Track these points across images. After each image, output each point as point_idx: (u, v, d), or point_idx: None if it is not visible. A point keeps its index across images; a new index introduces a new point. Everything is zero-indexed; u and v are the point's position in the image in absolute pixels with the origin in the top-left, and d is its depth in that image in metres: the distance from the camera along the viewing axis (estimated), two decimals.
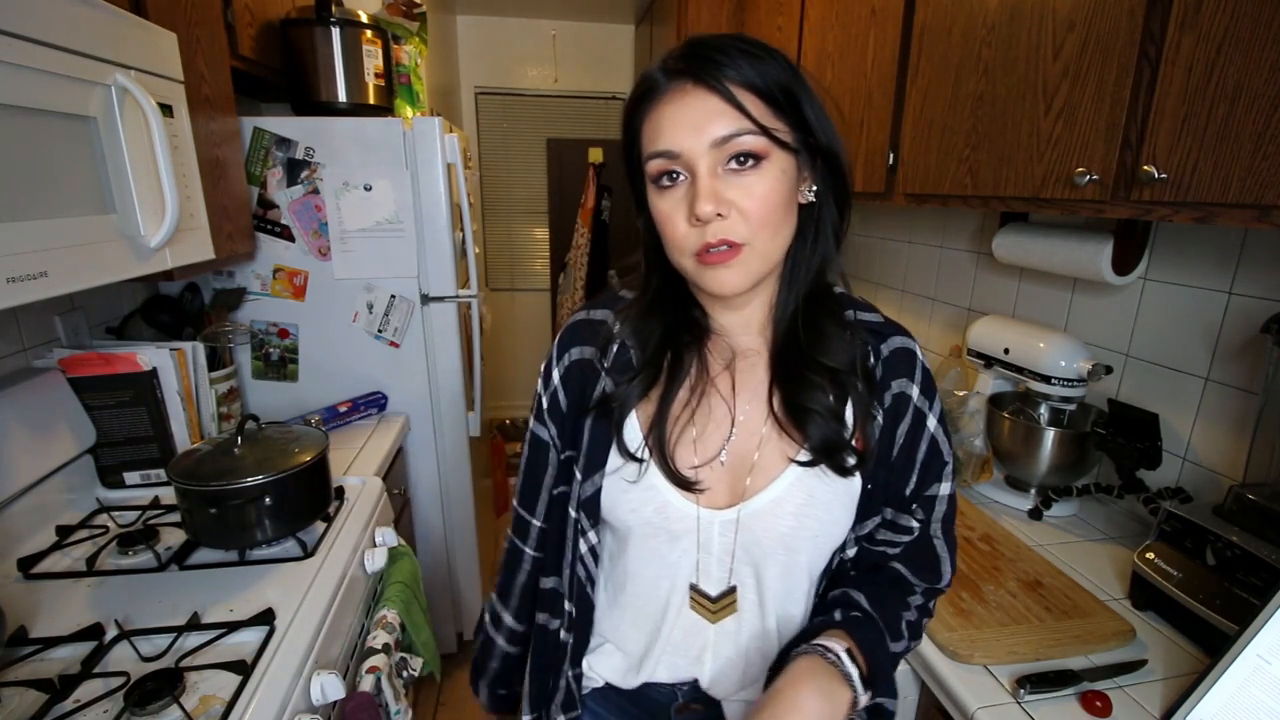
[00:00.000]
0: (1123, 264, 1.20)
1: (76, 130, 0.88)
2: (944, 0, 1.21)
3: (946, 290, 1.80)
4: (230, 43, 1.48)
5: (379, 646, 1.10)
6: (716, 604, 0.73)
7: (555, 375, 0.75)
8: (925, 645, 0.93)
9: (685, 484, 0.68)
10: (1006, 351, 1.37)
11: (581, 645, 0.79)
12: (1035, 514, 1.26)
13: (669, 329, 0.71)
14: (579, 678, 0.79)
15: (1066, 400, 1.30)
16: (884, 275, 2.10)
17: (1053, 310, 1.44)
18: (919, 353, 0.73)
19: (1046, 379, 1.27)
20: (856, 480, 0.69)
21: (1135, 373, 1.26)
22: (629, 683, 0.79)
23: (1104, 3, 0.89)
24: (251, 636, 0.94)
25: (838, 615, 0.70)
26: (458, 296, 1.89)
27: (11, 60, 0.76)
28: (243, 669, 0.86)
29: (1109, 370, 1.25)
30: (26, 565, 1.07)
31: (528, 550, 0.82)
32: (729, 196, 0.60)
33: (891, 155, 1.39)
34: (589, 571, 0.77)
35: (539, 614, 0.81)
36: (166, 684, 0.83)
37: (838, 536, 0.71)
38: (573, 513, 0.74)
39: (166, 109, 1.07)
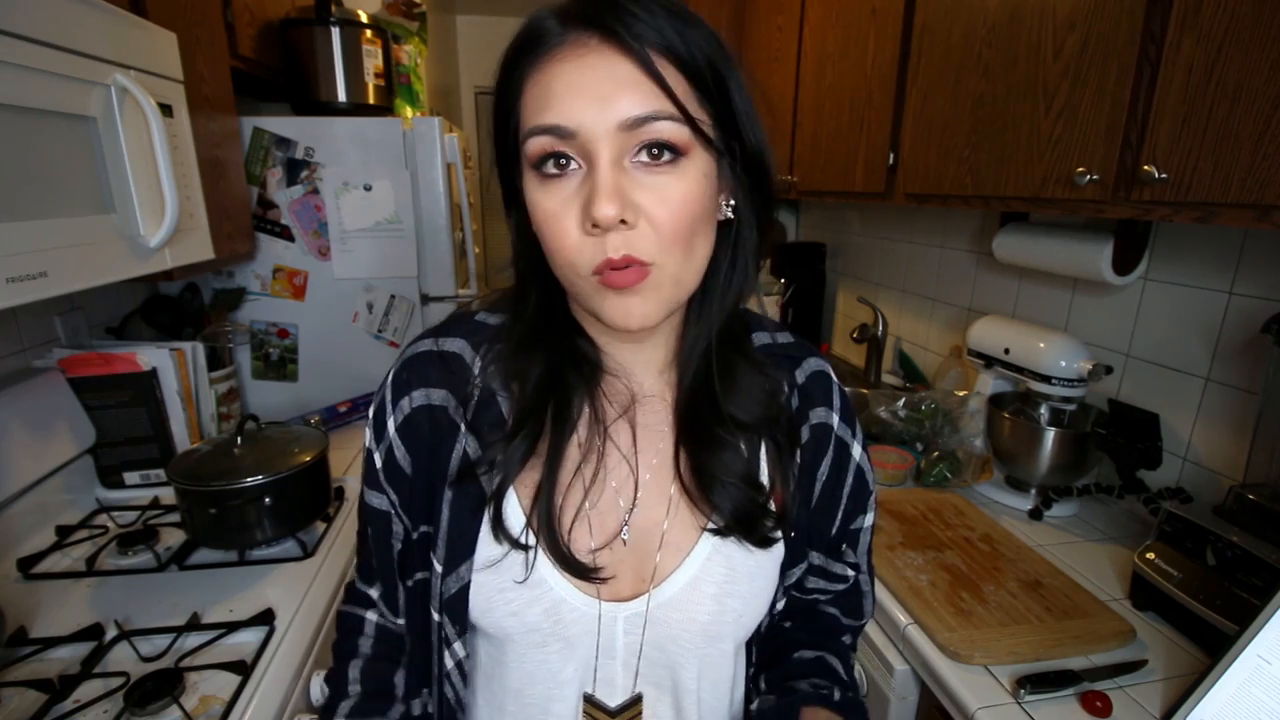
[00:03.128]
0: (1123, 264, 1.20)
1: (76, 130, 0.88)
2: (944, 0, 1.21)
3: (947, 290, 1.80)
4: (230, 43, 1.48)
5: None
6: (617, 717, 0.58)
7: (390, 425, 0.56)
8: (925, 645, 0.93)
9: (584, 573, 0.53)
10: (1007, 351, 1.37)
11: None
12: (1035, 514, 1.26)
13: (553, 366, 0.55)
14: None
15: (1067, 400, 1.30)
16: (884, 275, 2.09)
17: (1053, 310, 1.44)
18: (830, 373, 0.63)
19: (1047, 379, 1.27)
20: (779, 544, 0.59)
21: (1135, 373, 1.26)
22: None
23: (1104, 3, 0.89)
24: (251, 636, 0.94)
25: (837, 695, 0.62)
26: (457, 296, 1.89)
27: (11, 60, 0.76)
28: (242, 669, 0.86)
29: (1109, 370, 1.25)
30: (26, 565, 1.07)
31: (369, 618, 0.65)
32: (636, 199, 0.45)
33: (892, 155, 1.39)
34: (457, 694, 0.60)
35: None
36: (166, 684, 0.83)
37: (763, 608, 0.60)
38: (435, 615, 0.57)
39: (166, 109, 1.07)
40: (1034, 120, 1.01)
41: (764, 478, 0.58)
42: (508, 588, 0.54)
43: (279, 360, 1.83)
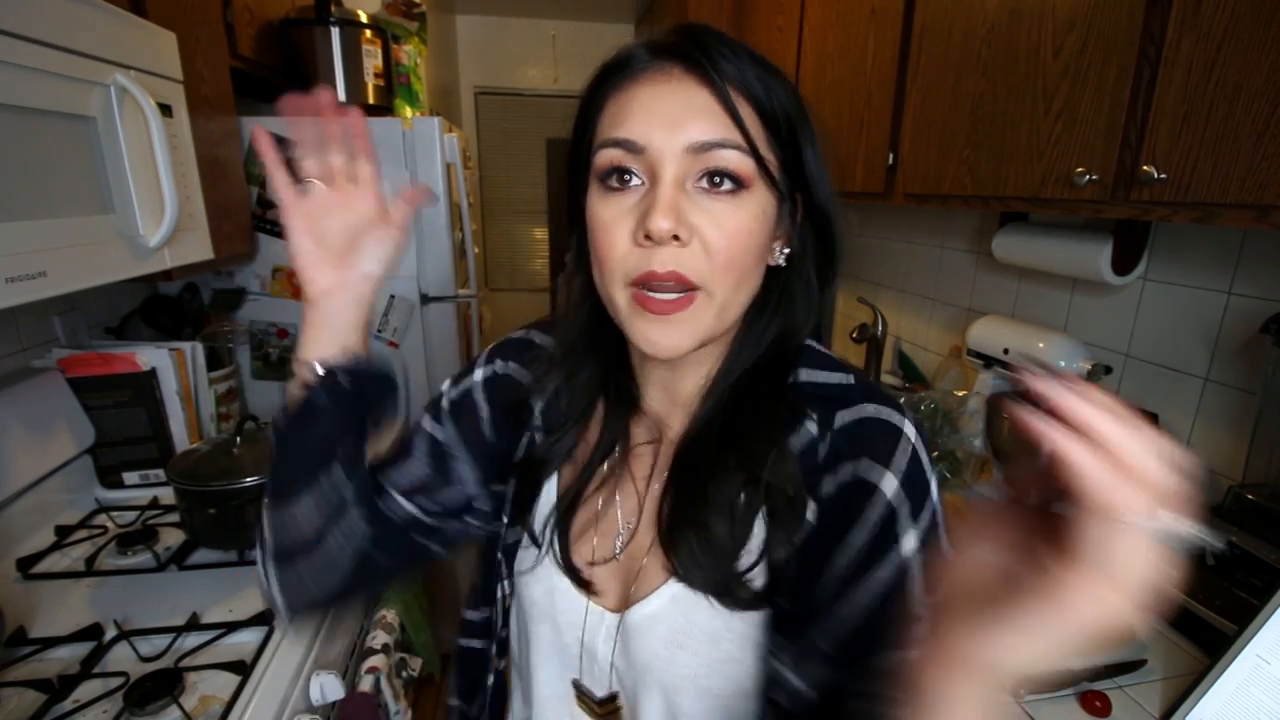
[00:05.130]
0: (1122, 264, 1.20)
1: (76, 130, 0.88)
2: (944, 0, 1.21)
3: (946, 290, 1.80)
4: (230, 43, 1.48)
5: (378, 647, 1.10)
6: (604, 707, 0.60)
7: (477, 374, 0.63)
8: None
9: (580, 583, 0.57)
10: (1006, 352, 1.37)
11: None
12: None
13: (600, 374, 0.59)
14: None
15: None
16: (884, 275, 2.10)
17: (1052, 310, 1.44)
18: (909, 436, 0.50)
19: None
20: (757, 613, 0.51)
21: (1135, 373, 1.26)
22: None
23: (1104, 3, 0.89)
24: (251, 637, 0.94)
25: None
26: (457, 296, 1.89)
27: (11, 60, 0.76)
28: (242, 669, 0.86)
29: (1108, 370, 1.25)
30: (26, 565, 1.07)
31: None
32: (693, 220, 0.46)
33: (891, 155, 1.39)
34: (506, 613, 0.65)
35: (464, 640, 0.68)
36: (165, 684, 0.83)
37: (736, 679, 0.52)
38: (498, 555, 0.63)
39: (166, 109, 1.07)
40: (1033, 120, 1.01)
41: (756, 540, 0.51)
42: (528, 563, 0.60)
43: (279, 360, 1.83)
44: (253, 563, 1.11)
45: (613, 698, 0.60)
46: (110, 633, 0.92)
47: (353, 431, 0.58)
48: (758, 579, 0.51)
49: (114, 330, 1.55)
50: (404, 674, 1.21)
